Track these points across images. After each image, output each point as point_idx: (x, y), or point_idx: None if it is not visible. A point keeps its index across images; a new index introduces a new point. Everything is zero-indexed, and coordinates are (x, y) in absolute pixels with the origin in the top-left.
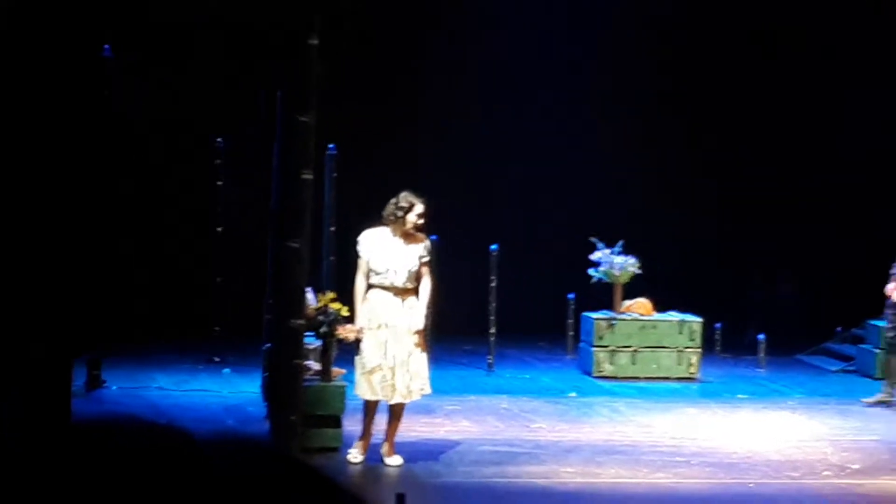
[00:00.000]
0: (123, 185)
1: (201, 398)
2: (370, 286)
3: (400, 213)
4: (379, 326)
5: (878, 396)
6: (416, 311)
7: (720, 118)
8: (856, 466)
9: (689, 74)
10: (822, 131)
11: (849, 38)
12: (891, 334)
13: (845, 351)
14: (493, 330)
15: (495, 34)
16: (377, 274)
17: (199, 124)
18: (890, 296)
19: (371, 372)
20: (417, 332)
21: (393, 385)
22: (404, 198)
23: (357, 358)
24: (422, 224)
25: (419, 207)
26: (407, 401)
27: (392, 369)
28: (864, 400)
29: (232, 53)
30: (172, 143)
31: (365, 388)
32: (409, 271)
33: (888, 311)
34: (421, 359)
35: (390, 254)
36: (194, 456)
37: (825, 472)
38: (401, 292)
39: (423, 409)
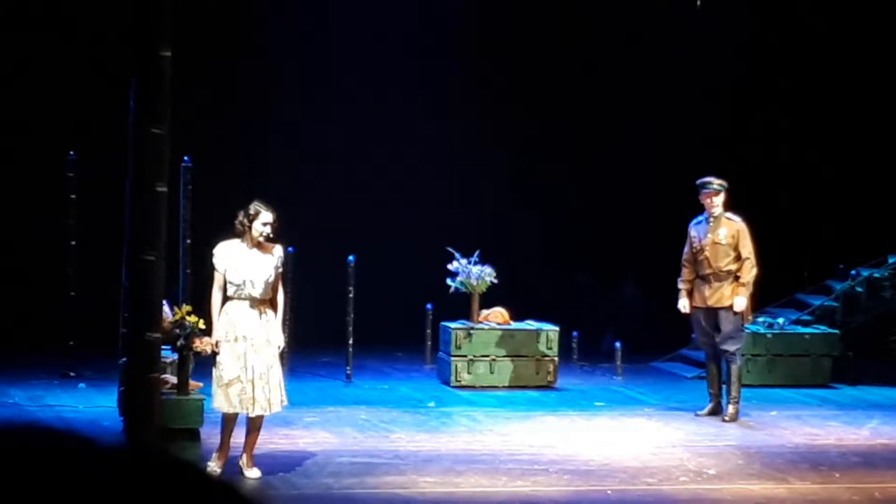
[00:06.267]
0: None
1: (56, 413)
2: (227, 298)
3: (246, 223)
4: (237, 339)
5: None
6: (274, 324)
7: (577, 127)
8: (712, 472)
9: (540, 80)
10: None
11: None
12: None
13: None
14: (351, 341)
15: (345, 43)
16: (234, 286)
17: (51, 136)
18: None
19: (229, 384)
20: (278, 349)
21: (253, 398)
22: (252, 206)
23: (214, 370)
24: (270, 233)
25: (265, 216)
26: (267, 413)
27: (251, 381)
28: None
29: (85, 63)
30: (26, 156)
31: (222, 400)
32: (266, 282)
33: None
34: (279, 371)
35: (246, 266)
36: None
37: (682, 478)
38: (258, 304)
39: (282, 420)
